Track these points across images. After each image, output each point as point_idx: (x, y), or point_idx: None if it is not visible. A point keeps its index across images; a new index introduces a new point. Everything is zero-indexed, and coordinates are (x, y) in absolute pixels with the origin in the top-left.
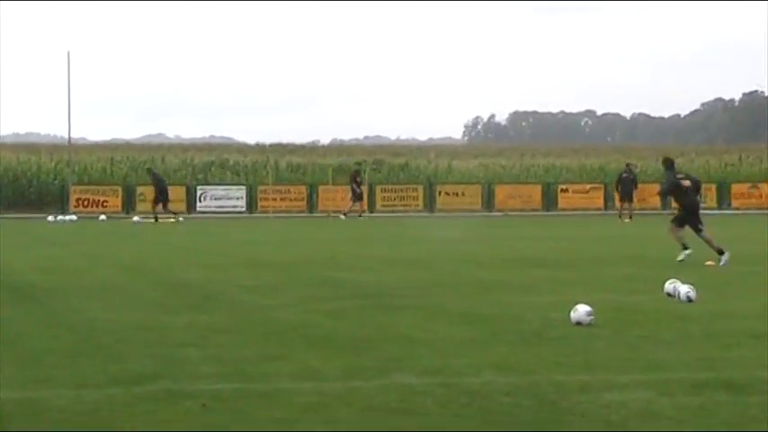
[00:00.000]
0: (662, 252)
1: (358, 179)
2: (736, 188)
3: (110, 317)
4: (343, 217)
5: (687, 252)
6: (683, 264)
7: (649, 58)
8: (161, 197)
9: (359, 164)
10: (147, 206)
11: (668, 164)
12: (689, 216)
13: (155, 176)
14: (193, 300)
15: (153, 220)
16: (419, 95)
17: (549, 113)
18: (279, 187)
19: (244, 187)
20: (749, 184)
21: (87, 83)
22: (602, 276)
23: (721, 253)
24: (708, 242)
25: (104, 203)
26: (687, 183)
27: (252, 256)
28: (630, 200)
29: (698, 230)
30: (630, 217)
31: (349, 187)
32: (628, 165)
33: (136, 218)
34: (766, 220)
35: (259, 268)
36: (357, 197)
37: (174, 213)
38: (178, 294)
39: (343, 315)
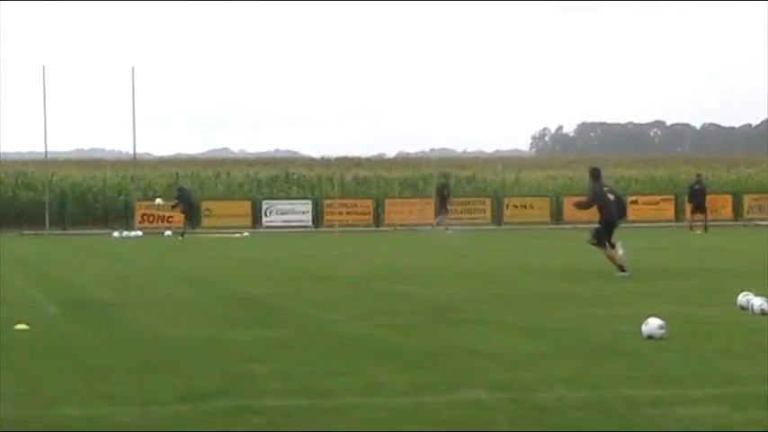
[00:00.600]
0: (734, 264)
1: (445, 192)
2: None
3: (174, 332)
4: (447, 230)
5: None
6: (741, 275)
7: (719, 67)
8: (190, 211)
9: (446, 177)
10: (213, 221)
11: (595, 174)
12: (608, 229)
13: (182, 192)
14: (258, 314)
15: (181, 236)
16: (486, 107)
17: (618, 124)
18: (345, 201)
19: (309, 201)
20: None
21: (152, 98)
22: (673, 288)
23: (622, 270)
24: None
25: (169, 219)
26: (611, 196)
27: (317, 270)
28: (703, 211)
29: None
30: (705, 228)
31: (435, 201)
32: (698, 175)
33: (168, 232)
34: None
35: (324, 282)
36: (442, 210)
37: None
38: (243, 309)
39: (409, 329)
